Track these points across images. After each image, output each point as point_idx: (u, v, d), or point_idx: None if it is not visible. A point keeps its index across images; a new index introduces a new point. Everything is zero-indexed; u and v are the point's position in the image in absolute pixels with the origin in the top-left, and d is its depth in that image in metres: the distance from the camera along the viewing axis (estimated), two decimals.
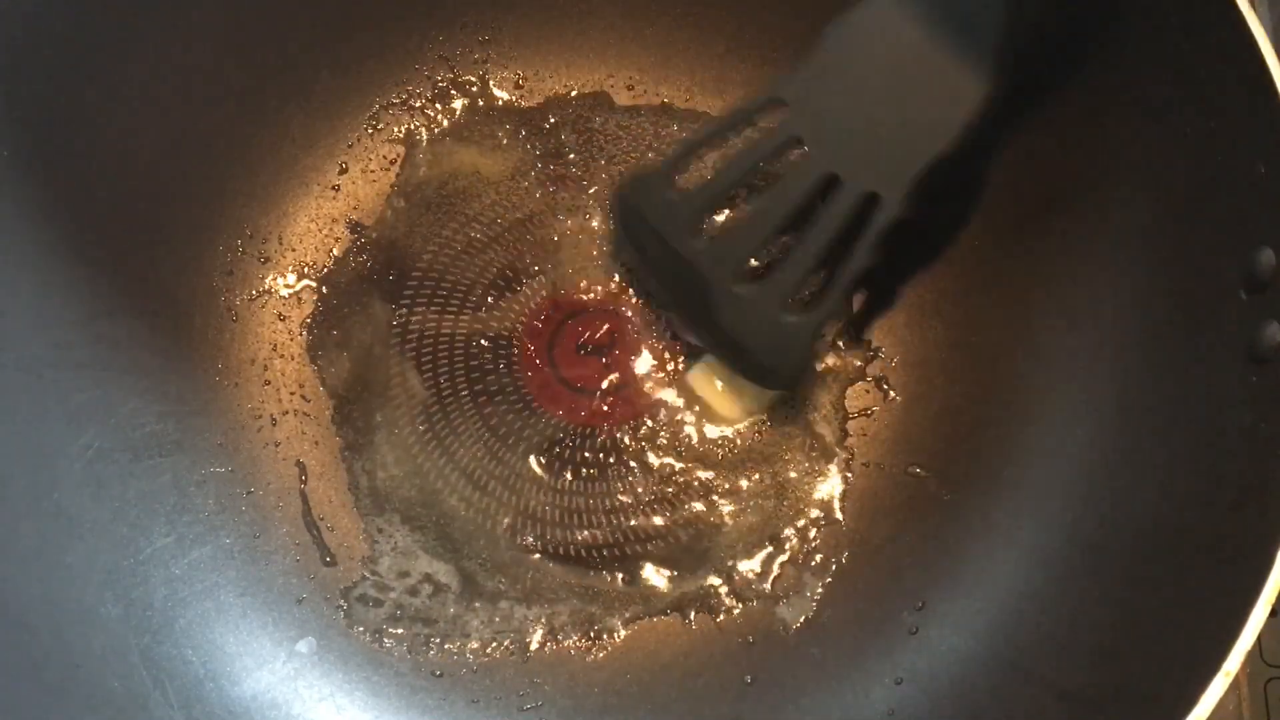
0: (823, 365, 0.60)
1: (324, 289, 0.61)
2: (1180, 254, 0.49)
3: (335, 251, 0.62)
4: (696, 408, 0.60)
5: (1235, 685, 0.55)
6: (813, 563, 0.58)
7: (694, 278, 0.55)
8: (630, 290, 0.61)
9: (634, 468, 0.59)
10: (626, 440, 0.60)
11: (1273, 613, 0.40)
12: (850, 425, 0.60)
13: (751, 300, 0.55)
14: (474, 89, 0.64)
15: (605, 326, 0.61)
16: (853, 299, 0.61)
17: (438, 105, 0.64)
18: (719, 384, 0.60)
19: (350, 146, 0.63)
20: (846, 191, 0.53)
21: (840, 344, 0.61)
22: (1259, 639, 0.40)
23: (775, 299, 0.55)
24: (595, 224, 0.62)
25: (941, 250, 0.60)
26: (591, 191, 0.63)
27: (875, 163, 0.52)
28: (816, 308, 0.55)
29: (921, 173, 0.52)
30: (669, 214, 0.56)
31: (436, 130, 0.64)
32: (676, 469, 0.59)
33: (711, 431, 0.60)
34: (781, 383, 0.58)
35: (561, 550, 0.58)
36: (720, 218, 0.59)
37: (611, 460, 0.60)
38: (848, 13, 0.52)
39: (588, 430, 0.60)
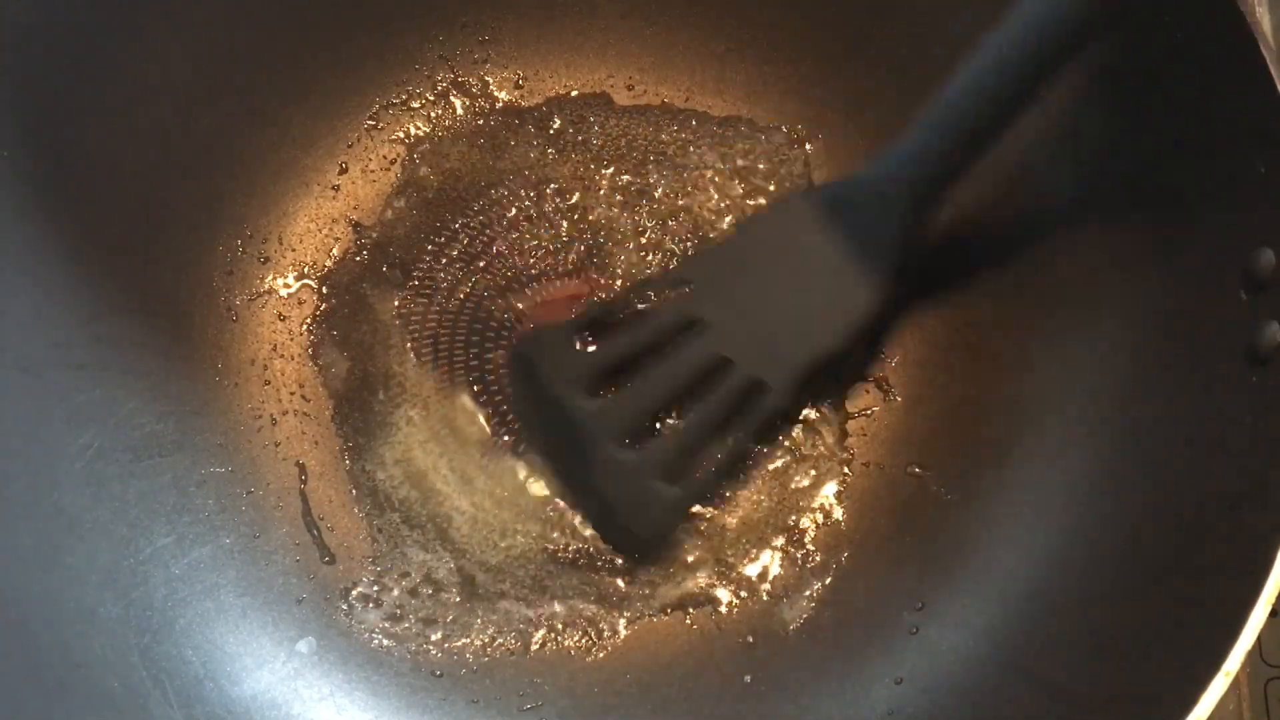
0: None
1: (324, 289, 0.61)
2: (1180, 254, 0.49)
3: (335, 251, 0.62)
4: None
5: (1235, 685, 0.55)
6: (812, 563, 0.58)
7: (577, 436, 0.57)
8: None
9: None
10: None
11: (1273, 613, 0.40)
12: (850, 425, 0.60)
13: (630, 464, 0.57)
14: (474, 89, 0.64)
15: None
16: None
17: (438, 105, 0.64)
18: None
19: (350, 146, 0.63)
20: (736, 375, 0.56)
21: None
22: (1259, 639, 0.40)
23: (652, 468, 0.56)
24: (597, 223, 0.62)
25: (941, 250, 0.60)
26: (592, 192, 0.63)
27: (766, 353, 0.56)
28: (689, 484, 0.57)
29: (807, 369, 0.55)
30: (565, 371, 0.58)
31: (436, 130, 0.64)
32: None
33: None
34: (639, 546, 0.58)
35: (562, 550, 0.58)
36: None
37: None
38: (761, 211, 0.57)
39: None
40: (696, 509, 0.59)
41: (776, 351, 0.55)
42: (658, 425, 0.58)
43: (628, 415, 0.57)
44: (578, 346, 0.59)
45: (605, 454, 0.57)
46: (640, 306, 0.59)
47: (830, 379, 0.59)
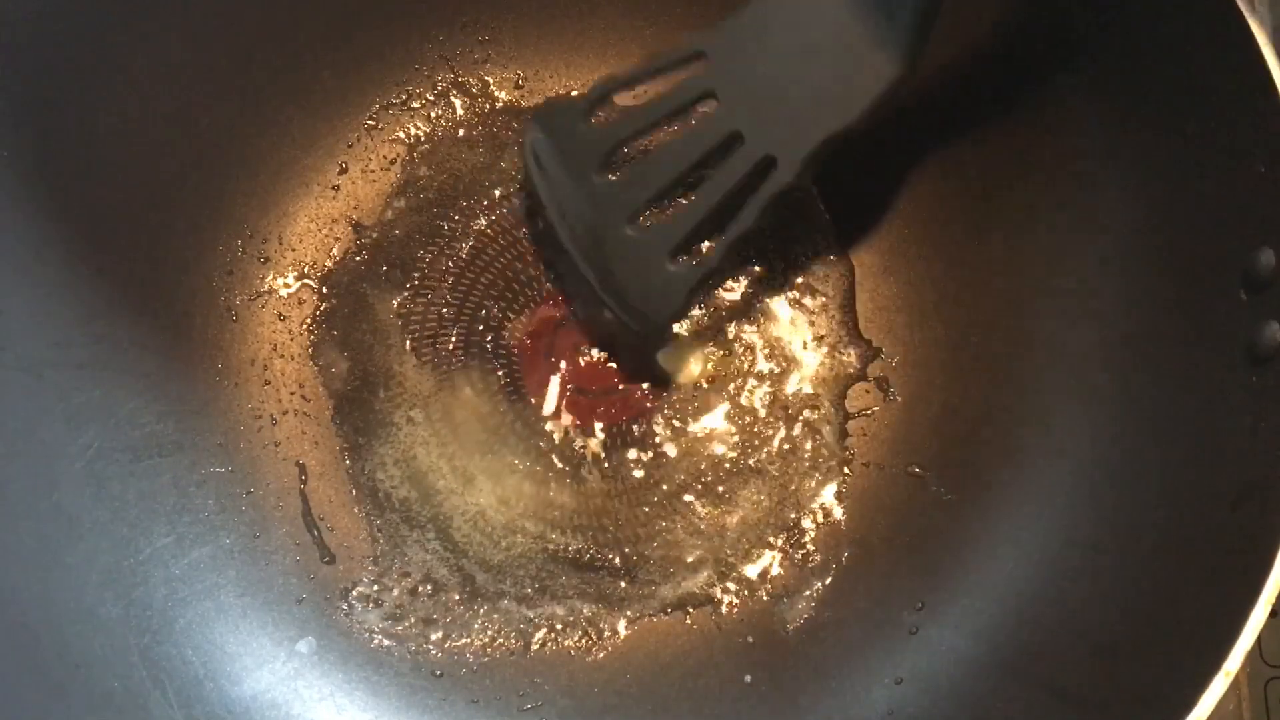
0: (819, 366, 0.61)
1: (324, 289, 0.61)
2: (1180, 254, 0.49)
3: (335, 252, 0.62)
4: (697, 405, 0.60)
5: (1235, 685, 0.55)
6: (812, 563, 0.58)
7: (590, 215, 0.56)
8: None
9: (634, 468, 0.59)
10: (627, 440, 0.60)
11: (1273, 613, 0.40)
12: (850, 425, 0.60)
13: (640, 243, 0.56)
14: (474, 89, 0.64)
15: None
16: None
17: (438, 105, 0.64)
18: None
19: (350, 146, 0.63)
20: (747, 151, 0.53)
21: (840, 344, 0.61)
22: (1259, 639, 0.40)
23: (662, 245, 0.55)
24: None
25: (941, 251, 0.60)
26: None
27: (779, 127, 0.53)
28: (699, 260, 0.56)
29: (821, 146, 0.52)
30: (578, 146, 0.56)
31: (437, 130, 0.64)
32: (677, 469, 0.59)
33: (712, 432, 0.60)
34: (652, 328, 0.59)
35: (562, 550, 0.58)
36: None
37: (613, 460, 0.60)
38: None
39: (588, 430, 0.60)
40: (692, 503, 0.59)
41: (790, 126, 0.53)
42: (667, 202, 0.57)
43: (639, 191, 0.56)
44: (591, 121, 0.57)
45: (617, 232, 0.56)
46: (653, 79, 0.57)
47: (845, 167, 0.56)
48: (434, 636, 0.57)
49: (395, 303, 0.61)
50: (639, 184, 0.56)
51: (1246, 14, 0.44)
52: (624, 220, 0.56)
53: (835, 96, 0.52)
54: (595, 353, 0.61)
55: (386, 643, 0.57)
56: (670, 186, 0.55)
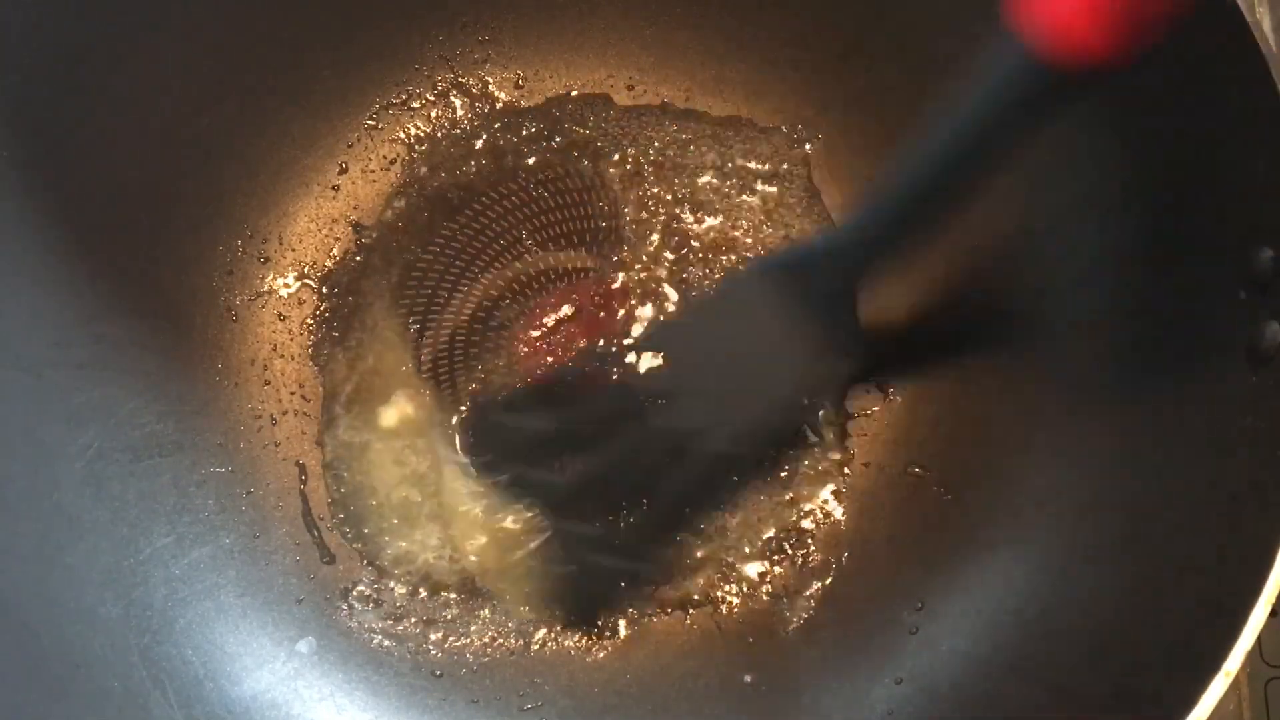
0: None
1: (324, 289, 0.61)
2: (1180, 253, 0.49)
3: (335, 252, 0.62)
4: None
5: (1235, 685, 0.55)
6: (812, 563, 0.58)
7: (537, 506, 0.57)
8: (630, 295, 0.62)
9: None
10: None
11: (1273, 612, 0.40)
12: (851, 425, 0.60)
13: (583, 542, 0.57)
14: (474, 89, 0.64)
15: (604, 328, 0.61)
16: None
17: (438, 105, 0.64)
18: None
19: (350, 147, 0.63)
20: (697, 452, 0.56)
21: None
22: (1259, 639, 0.40)
23: (606, 546, 0.57)
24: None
25: (941, 247, 0.60)
26: (593, 191, 0.63)
27: (725, 422, 0.56)
28: (640, 563, 0.58)
29: (770, 438, 0.57)
30: (521, 446, 0.58)
31: (437, 130, 0.64)
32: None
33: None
34: (567, 618, 0.58)
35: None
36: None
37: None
38: (717, 283, 0.59)
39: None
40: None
41: (736, 420, 0.56)
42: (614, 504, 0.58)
43: (578, 495, 0.57)
44: (531, 421, 0.59)
45: (561, 529, 0.57)
46: (588, 371, 0.59)
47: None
48: (434, 636, 0.57)
49: (395, 303, 0.61)
50: (579, 487, 0.57)
51: (1246, 14, 0.44)
52: (566, 519, 0.57)
53: (778, 393, 0.56)
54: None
55: (386, 643, 0.57)
56: (617, 491, 0.57)
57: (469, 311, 0.61)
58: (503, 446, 0.58)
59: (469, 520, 0.59)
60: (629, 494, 0.57)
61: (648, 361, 0.58)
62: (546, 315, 0.61)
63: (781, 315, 0.53)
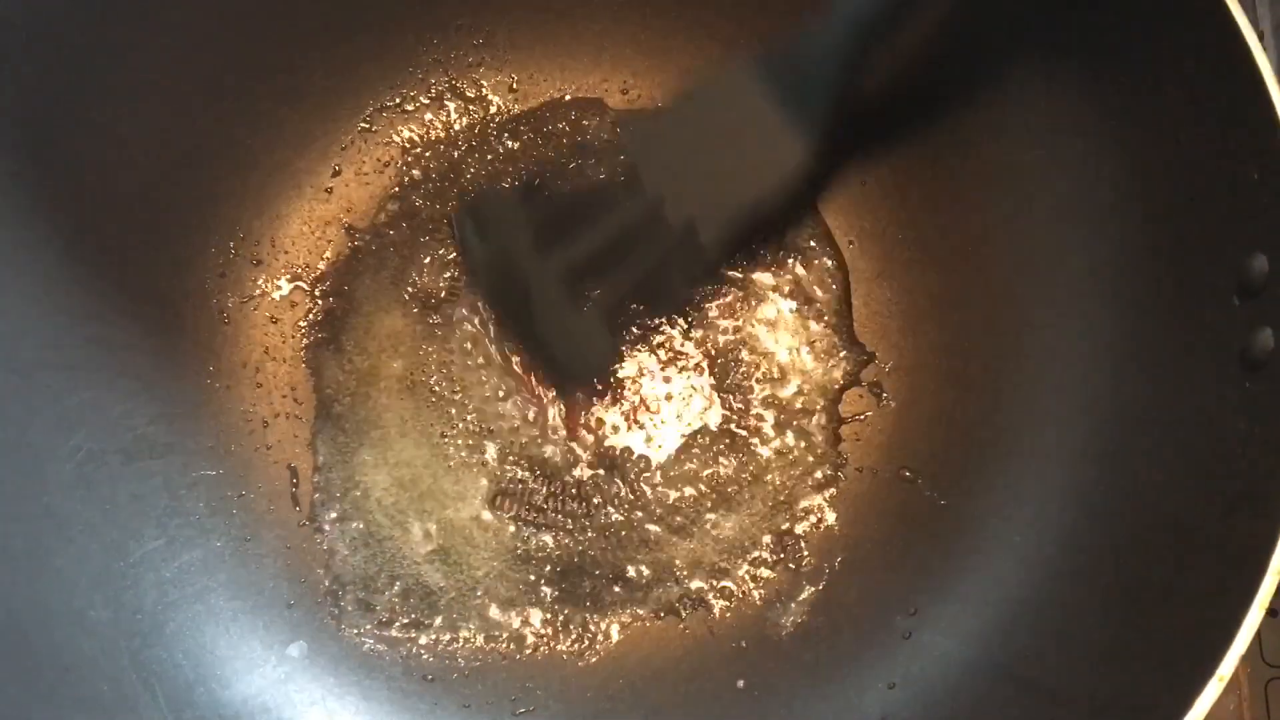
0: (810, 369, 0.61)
1: (316, 292, 0.61)
2: (1174, 260, 0.49)
3: (328, 254, 0.62)
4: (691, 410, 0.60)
5: (1236, 685, 0.55)
6: (805, 567, 0.58)
7: (522, 286, 0.58)
8: None
9: (630, 476, 0.59)
10: (624, 446, 0.60)
11: (1271, 612, 0.40)
12: (843, 430, 0.60)
13: (566, 310, 0.58)
14: (468, 92, 0.64)
15: None
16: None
17: (432, 108, 0.64)
18: None
19: (344, 149, 0.63)
20: (668, 220, 0.57)
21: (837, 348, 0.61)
22: (1260, 639, 0.41)
23: (588, 312, 0.59)
24: None
25: (936, 257, 0.60)
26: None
27: (698, 199, 0.58)
28: (615, 328, 0.60)
29: (736, 216, 0.57)
30: (509, 230, 0.59)
31: (430, 133, 0.64)
32: (673, 474, 0.59)
33: (706, 438, 0.60)
34: (583, 377, 0.61)
35: (555, 555, 0.58)
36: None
37: (607, 469, 0.59)
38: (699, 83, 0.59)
39: (588, 433, 0.60)
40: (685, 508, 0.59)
41: (707, 197, 0.57)
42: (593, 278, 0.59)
43: (564, 270, 0.58)
44: (522, 208, 0.60)
45: (547, 305, 0.58)
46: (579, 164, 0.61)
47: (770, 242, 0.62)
48: (425, 640, 0.57)
49: (387, 306, 0.61)
50: (564, 263, 0.58)
51: (1240, 20, 0.44)
52: (552, 293, 0.58)
53: (750, 172, 0.57)
54: None
55: (378, 647, 0.56)
56: (596, 263, 0.59)
57: (463, 315, 0.61)
58: (496, 231, 0.60)
59: (460, 523, 0.58)
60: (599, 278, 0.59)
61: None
62: None
63: (757, 108, 0.56)
